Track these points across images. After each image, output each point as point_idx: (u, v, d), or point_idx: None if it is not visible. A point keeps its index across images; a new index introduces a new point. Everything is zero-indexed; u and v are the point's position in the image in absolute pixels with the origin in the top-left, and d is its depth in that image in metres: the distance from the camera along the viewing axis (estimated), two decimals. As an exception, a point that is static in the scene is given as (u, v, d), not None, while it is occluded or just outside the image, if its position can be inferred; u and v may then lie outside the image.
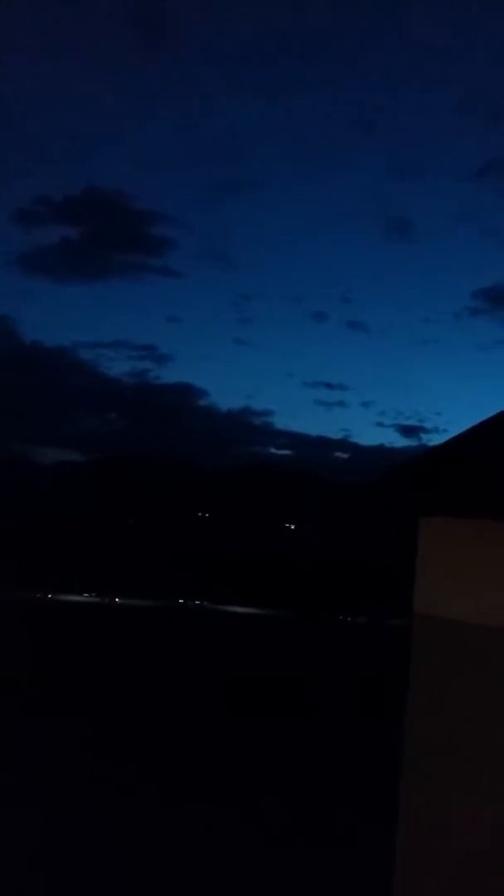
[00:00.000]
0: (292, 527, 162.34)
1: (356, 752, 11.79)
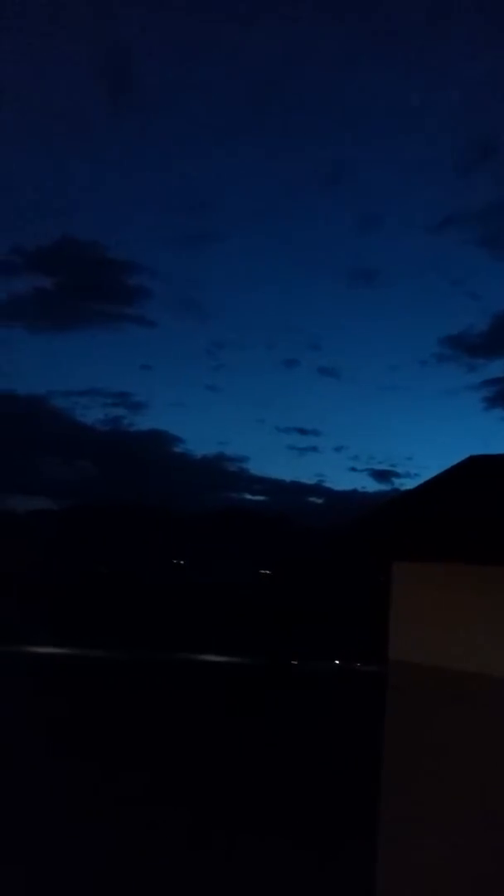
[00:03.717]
0: (268, 572, 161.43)
1: (332, 799, 11.63)
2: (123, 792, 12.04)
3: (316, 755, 15.41)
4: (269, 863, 9.31)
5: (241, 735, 17.59)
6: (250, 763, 14.74)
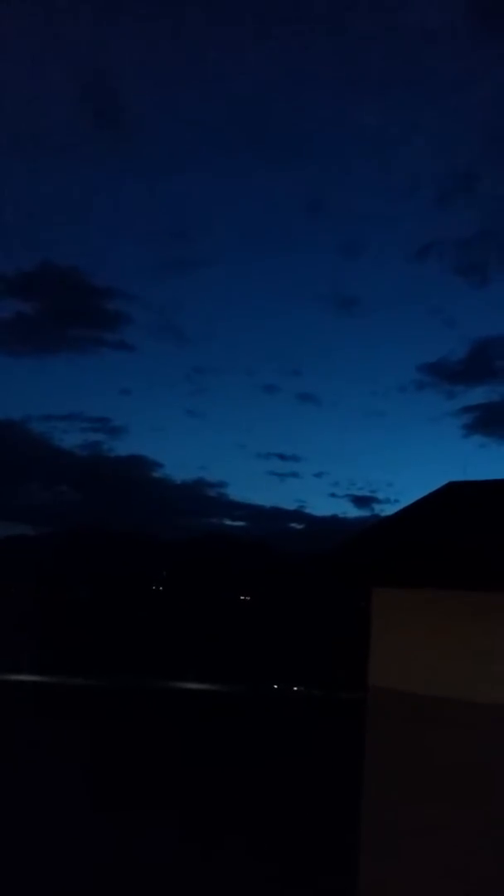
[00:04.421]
0: (247, 598, 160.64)
1: (312, 830, 11.51)
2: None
3: (289, 787, 15.26)
4: None
5: (216, 770, 17.39)
6: (220, 802, 14.55)
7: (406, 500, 5.64)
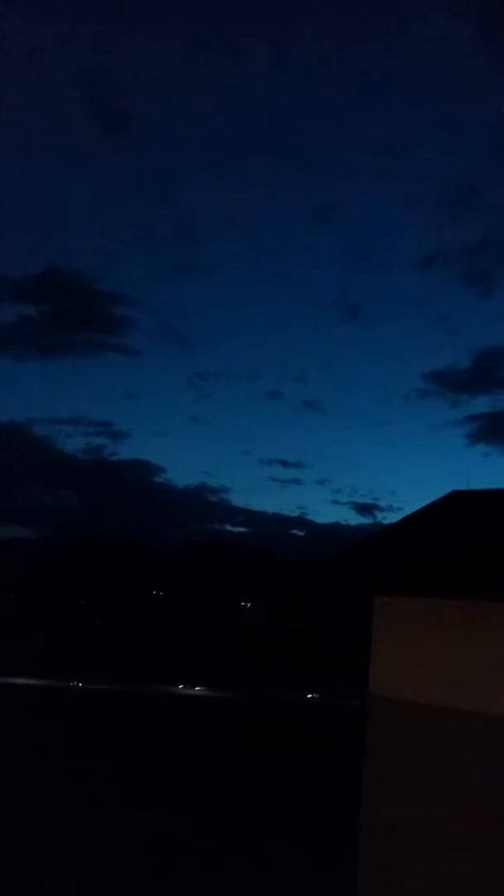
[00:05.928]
0: (248, 605, 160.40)
1: (310, 836, 11.49)
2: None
3: (288, 793, 15.25)
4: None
5: (214, 776, 17.38)
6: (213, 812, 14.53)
7: (409, 509, 5.65)
